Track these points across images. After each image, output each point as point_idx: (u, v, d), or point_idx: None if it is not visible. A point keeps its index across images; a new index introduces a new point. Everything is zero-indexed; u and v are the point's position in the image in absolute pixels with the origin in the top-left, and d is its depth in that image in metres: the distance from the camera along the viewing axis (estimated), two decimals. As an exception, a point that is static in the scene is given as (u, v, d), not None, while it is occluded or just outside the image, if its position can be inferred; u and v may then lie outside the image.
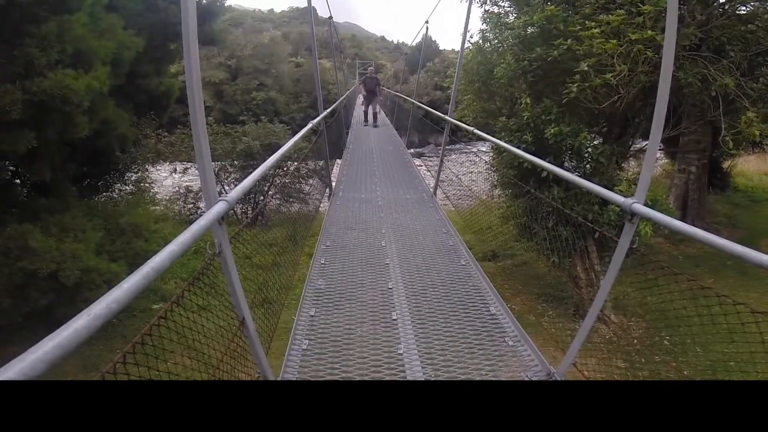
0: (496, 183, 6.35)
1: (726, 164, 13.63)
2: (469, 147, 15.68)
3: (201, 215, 1.87)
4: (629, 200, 2.00)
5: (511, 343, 2.74)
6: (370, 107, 15.18)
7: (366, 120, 14.95)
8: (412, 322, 2.90)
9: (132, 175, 9.58)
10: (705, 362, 5.05)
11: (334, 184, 6.49)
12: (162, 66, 8.92)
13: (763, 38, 5.52)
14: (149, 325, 1.53)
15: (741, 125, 5.87)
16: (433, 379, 2.40)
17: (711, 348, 5.06)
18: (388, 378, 2.42)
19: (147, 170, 10.13)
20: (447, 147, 6.46)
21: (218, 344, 2.05)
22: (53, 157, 6.25)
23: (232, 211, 9.01)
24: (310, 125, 4.56)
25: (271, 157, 2.66)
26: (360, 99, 17.92)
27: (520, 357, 2.63)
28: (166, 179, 13.51)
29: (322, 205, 6.25)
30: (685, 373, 4.86)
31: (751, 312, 1.78)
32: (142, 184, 9.62)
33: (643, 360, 5.11)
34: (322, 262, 3.78)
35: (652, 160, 2.09)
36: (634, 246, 2.21)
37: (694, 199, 10.34)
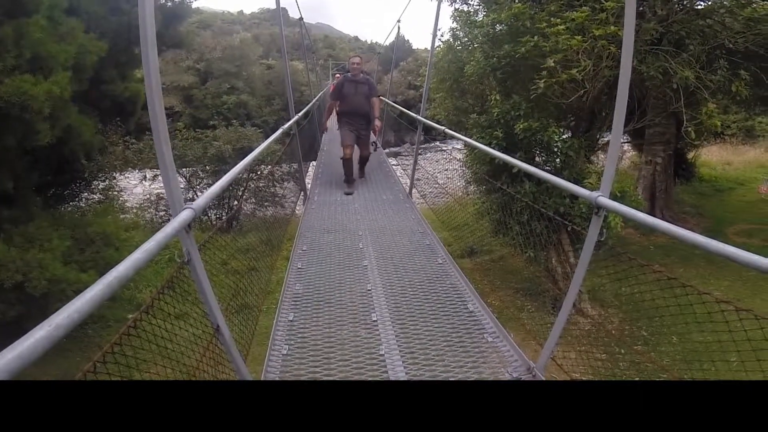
0: (469, 180, 6.41)
1: (690, 155, 14.07)
2: (444, 145, 14.85)
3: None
4: (594, 194, 2.03)
5: (490, 339, 2.75)
6: (359, 147, 6.44)
7: (349, 181, 6.24)
8: (392, 322, 2.89)
9: (99, 184, 9.31)
10: (682, 351, 5.18)
11: (309, 187, 6.43)
12: (127, 71, 8.67)
13: (719, 32, 5.71)
14: (118, 335, 1.48)
15: (702, 117, 6.07)
16: (415, 378, 2.40)
17: (686, 337, 5.19)
18: (370, 379, 2.41)
19: (115, 178, 9.86)
20: (422, 146, 6.50)
21: (194, 352, 2.00)
22: (14, 166, 6.02)
23: (206, 217, 8.87)
24: (280, 130, 4.51)
25: (239, 164, 2.62)
26: (332, 123, 7.93)
27: (499, 353, 2.65)
28: (136, 187, 13.20)
29: (297, 209, 6.19)
30: (665, 362, 4.97)
31: (715, 301, 1.82)
32: (110, 193, 9.36)
33: (622, 351, 5.22)
34: (299, 266, 3.74)
35: (615, 153, 2.12)
36: (603, 239, 2.24)
37: (661, 189, 10.62)
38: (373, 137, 6.95)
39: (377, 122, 6.21)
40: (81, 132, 7.07)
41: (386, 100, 10.20)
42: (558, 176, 5.23)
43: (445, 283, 3.43)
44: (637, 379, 4.69)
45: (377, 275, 3.53)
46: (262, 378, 2.44)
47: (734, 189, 13.93)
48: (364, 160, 6.62)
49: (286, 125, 4.88)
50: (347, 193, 5.89)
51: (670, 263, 8.03)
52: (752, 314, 1.67)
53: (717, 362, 3.24)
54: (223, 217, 9.90)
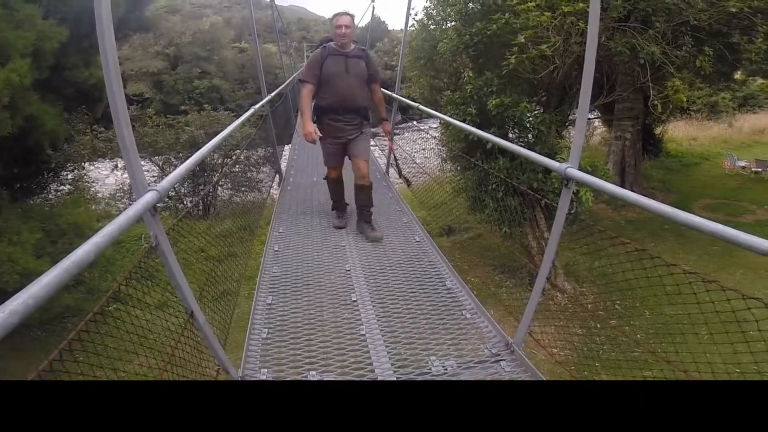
0: (445, 157, 6.39)
1: (658, 130, 14.36)
2: (421, 125, 14.52)
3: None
4: (563, 165, 2.01)
5: (468, 315, 2.75)
6: (354, 169, 3.83)
7: (339, 208, 4.17)
8: (372, 302, 2.86)
9: (68, 174, 8.99)
10: (654, 325, 5.31)
11: (284, 169, 6.31)
12: (91, 57, 8.31)
13: (684, 10, 5.78)
14: (84, 322, 1.42)
15: (668, 91, 6.18)
16: (397, 358, 2.38)
17: (658, 311, 5.33)
18: (353, 360, 2.38)
19: (84, 168, 9.54)
20: (399, 125, 6.41)
21: (169, 339, 1.94)
22: (-24, 159, 5.77)
23: (181, 205, 8.65)
24: (252, 110, 4.38)
25: (207, 144, 2.51)
26: (296, 140, 7.77)
27: (478, 329, 2.64)
28: (108, 177, 12.80)
29: (273, 191, 6.06)
30: (638, 336, 5.09)
31: (683, 273, 1.82)
32: (80, 183, 9.06)
33: (598, 326, 5.33)
34: (276, 249, 3.67)
35: (582, 124, 2.10)
36: (573, 211, 2.24)
37: (630, 164, 10.83)
38: (369, 156, 4.07)
39: (387, 125, 4.21)
40: (44, 121, 6.79)
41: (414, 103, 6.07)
42: (530, 151, 5.31)
43: (423, 261, 3.41)
44: (613, 354, 4.81)
45: (356, 255, 3.49)
46: (242, 363, 2.39)
47: (699, 164, 14.29)
48: (364, 196, 3.80)
49: (258, 105, 4.75)
50: (337, 227, 3.96)
51: (641, 238, 8.21)
52: (719, 285, 1.69)
53: (687, 335, 3.32)
54: (197, 202, 9.70)
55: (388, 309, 2.80)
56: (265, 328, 2.63)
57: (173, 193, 9.98)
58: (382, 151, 7.52)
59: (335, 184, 4.08)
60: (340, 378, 2.24)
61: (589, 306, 5.82)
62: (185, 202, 9.84)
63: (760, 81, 18.87)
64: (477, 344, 2.52)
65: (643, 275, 2.06)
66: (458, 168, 6.13)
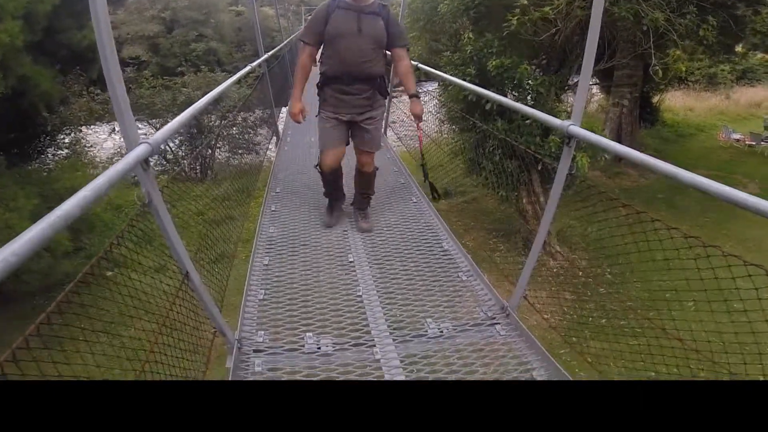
0: (444, 119, 6.25)
1: (655, 99, 14.14)
2: (419, 87, 14.18)
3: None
4: (566, 123, 1.94)
5: (464, 278, 2.70)
6: (357, 153, 3.17)
7: (334, 204, 3.39)
8: (369, 263, 2.80)
9: (65, 138, 8.81)
10: (649, 290, 5.30)
11: (281, 129, 6.16)
12: (84, 20, 8.03)
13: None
14: (73, 283, 1.36)
15: (669, 60, 6.06)
16: (393, 320, 2.35)
17: (648, 278, 5.31)
18: (349, 322, 2.34)
19: (81, 132, 9.35)
20: (397, 89, 6.22)
21: (163, 300, 1.89)
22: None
23: (180, 169, 8.51)
24: (249, 67, 4.21)
25: (201, 99, 2.40)
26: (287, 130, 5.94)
27: (473, 292, 2.60)
28: (106, 141, 12.57)
29: (270, 151, 5.93)
30: (629, 304, 5.10)
31: (684, 237, 1.74)
32: (77, 147, 8.89)
33: (589, 293, 5.34)
34: (273, 209, 3.58)
35: (585, 83, 2.01)
36: (573, 172, 2.18)
37: (627, 131, 10.70)
38: (378, 146, 3.20)
39: (418, 105, 3.07)
40: (38, 82, 6.61)
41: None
42: (529, 108, 5.19)
43: (419, 222, 3.35)
44: (604, 321, 4.83)
45: (353, 215, 3.42)
46: (239, 325, 2.34)
47: (695, 135, 14.16)
48: (365, 181, 3.24)
49: (255, 63, 4.57)
50: (328, 225, 3.23)
51: (634, 206, 8.15)
52: (720, 251, 1.63)
53: (685, 302, 3.28)
54: (194, 165, 9.55)
55: (385, 270, 2.75)
56: (261, 289, 2.59)
57: (171, 156, 9.85)
58: (398, 136, 5.90)
59: (331, 177, 3.12)
60: (337, 345, 2.20)
61: (580, 273, 5.82)
62: (184, 166, 9.71)
63: (760, 55, 18.57)
64: (472, 307, 2.49)
65: (642, 239, 2.01)
66: (456, 130, 5.99)
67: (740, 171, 10.66)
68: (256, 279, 2.69)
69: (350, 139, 3.11)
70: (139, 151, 1.49)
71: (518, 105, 2.51)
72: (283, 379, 1.64)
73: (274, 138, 5.87)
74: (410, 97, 3.07)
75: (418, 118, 3.17)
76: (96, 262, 1.44)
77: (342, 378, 2.01)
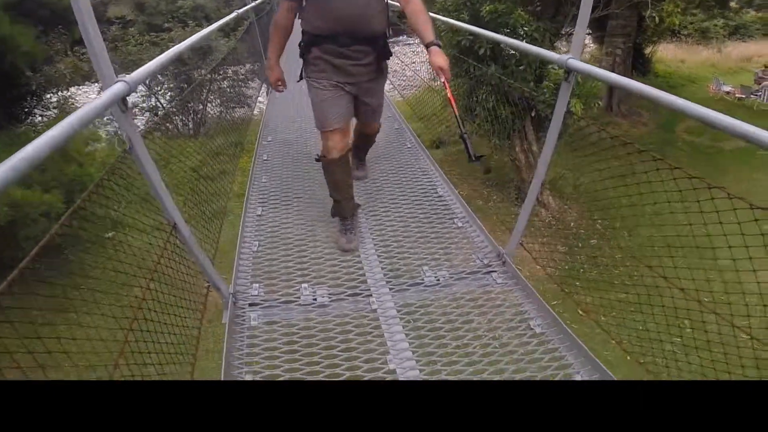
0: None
1: (647, 50, 13.78)
2: (412, 39, 13.59)
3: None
4: (565, 56, 1.80)
5: (460, 224, 2.61)
6: (360, 124, 2.69)
7: (346, 216, 2.47)
8: (364, 211, 2.70)
9: (52, 97, 8.47)
10: (632, 245, 5.26)
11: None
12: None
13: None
14: (53, 232, 1.26)
15: (663, 13, 5.86)
16: (390, 269, 2.27)
17: (636, 232, 5.27)
18: (345, 272, 2.26)
19: (69, 91, 8.99)
20: (391, 39, 5.89)
21: (150, 254, 1.79)
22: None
23: (173, 126, 8.23)
24: (235, 13, 3.94)
25: (185, 41, 2.21)
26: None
27: (469, 238, 2.53)
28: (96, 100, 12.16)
29: (260, 103, 5.72)
30: (618, 257, 5.06)
31: (688, 177, 1.64)
32: (65, 106, 8.55)
33: (579, 244, 5.30)
34: (265, 158, 3.43)
35: (587, 12, 1.84)
36: (571, 109, 2.05)
37: (619, 82, 10.47)
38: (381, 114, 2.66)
39: (439, 57, 2.15)
40: (19, 42, 6.30)
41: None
42: (523, 60, 4.99)
43: (414, 168, 3.22)
44: (594, 272, 4.81)
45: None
46: (233, 278, 2.26)
47: (686, 86, 13.93)
48: (368, 138, 2.88)
49: (241, 9, 4.28)
50: (345, 250, 2.42)
51: (624, 154, 8.05)
52: (725, 192, 1.54)
53: (688, 248, 3.20)
54: (191, 126, 9.26)
55: (380, 218, 2.65)
56: (255, 240, 2.49)
57: (162, 111, 9.54)
58: (391, 84, 5.36)
59: (339, 169, 2.35)
60: (333, 296, 2.13)
61: (572, 224, 5.77)
62: (176, 123, 9.43)
63: (753, 13, 18.12)
64: (469, 254, 2.41)
65: (644, 179, 1.91)
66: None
67: (730, 124, 10.49)
68: (249, 230, 2.58)
69: (357, 115, 2.55)
70: (116, 89, 1.34)
71: (515, 41, 2.33)
72: (284, 378, 1.59)
73: (264, 86, 5.62)
74: (428, 46, 2.18)
75: (444, 72, 2.15)
76: (68, 218, 1.33)
77: (339, 329, 1.95)
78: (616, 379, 1.69)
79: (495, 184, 6.19)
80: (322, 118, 2.28)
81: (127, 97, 1.44)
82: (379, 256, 2.34)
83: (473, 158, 2.11)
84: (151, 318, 1.60)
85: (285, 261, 2.33)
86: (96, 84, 10.37)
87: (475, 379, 1.71)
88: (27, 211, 5.22)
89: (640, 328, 2.14)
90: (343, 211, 2.46)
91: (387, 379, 1.79)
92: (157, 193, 1.72)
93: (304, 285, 2.16)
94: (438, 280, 2.20)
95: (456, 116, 2.25)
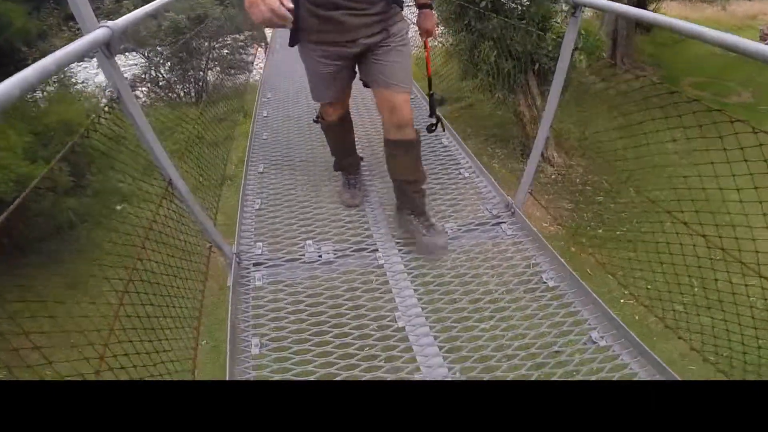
0: (438, 20, 5.71)
1: (651, 7, 13.23)
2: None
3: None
4: None
5: (466, 174, 2.49)
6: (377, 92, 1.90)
7: (351, 172, 2.37)
8: (369, 164, 2.58)
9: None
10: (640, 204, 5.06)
11: (269, 36, 5.70)
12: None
13: None
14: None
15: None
16: (397, 223, 2.16)
17: (643, 189, 5.07)
18: (350, 227, 2.16)
19: (68, 66, 8.75)
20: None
21: (144, 211, 1.68)
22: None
23: (174, 94, 7.99)
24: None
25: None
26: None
27: (477, 189, 2.40)
28: (97, 75, 11.87)
29: (258, 60, 5.54)
30: (623, 215, 4.90)
31: (686, 100, 1.53)
32: (64, 79, 8.33)
33: (585, 201, 5.16)
34: (265, 114, 3.29)
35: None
36: (579, 46, 1.90)
37: (623, 36, 10.10)
38: (410, 84, 2.04)
39: (429, 19, 2.06)
40: (11, 18, 6.11)
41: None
42: (526, 13, 4.70)
43: (416, 117, 3.07)
44: (600, 230, 4.68)
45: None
46: (237, 236, 2.16)
47: (690, 41, 13.38)
48: (404, 159, 2.02)
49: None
50: (349, 205, 2.29)
51: (625, 103, 7.81)
52: (726, 116, 1.42)
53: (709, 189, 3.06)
54: (193, 94, 9.04)
55: (384, 172, 2.50)
56: (257, 198, 2.38)
57: (163, 82, 9.30)
58: None
59: (339, 130, 2.21)
60: (338, 252, 2.03)
61: (577, 180, 5.60)
62: (178, 91, 9.22)
63: None
64: (476, 205, 2.30)
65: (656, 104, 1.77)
66: (450, 32, 5.47)
67: (733, 78, 10.13)
68: (251, 188, 2.48)
69: (364, 79, 1.95)
70: (98, 33, 1.20)
71: None
72: (290, 379, 1.51)
73: (263, 44, 5.41)
74: (420, 6, 2.01)
75: (428, 34, 2.11)
76: (57, 166, 1.21)
77: (345, 287, 1.87)
78: (632, 333, 1.59)
79: (499, 140, 6.00)
80: (316, 93, 2.05)
81: (115, 47, 1.30)
82: (384, 209, 2.23)
83: (432, 115, 2.31)
84: (148, 279, 1.51)
85: (288, 218, 2.23)
86: (95, 59, 10.09)
87: (487, 378, 1.57)
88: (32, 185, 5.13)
89: (661, 280, 2.02)
90: (347, 166, 2.37)
91: (398, 340, 1.70)
92: (150, 148, 1.60)
93: (308, 242, 2.07)
94: (446, 232, 2.09)
95: (428, 77, 2.37)
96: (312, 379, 1.53)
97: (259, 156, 2.77)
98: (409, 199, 2.03)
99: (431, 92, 2.31)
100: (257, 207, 2.31)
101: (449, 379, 1.50)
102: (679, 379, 1.47)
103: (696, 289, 1.80)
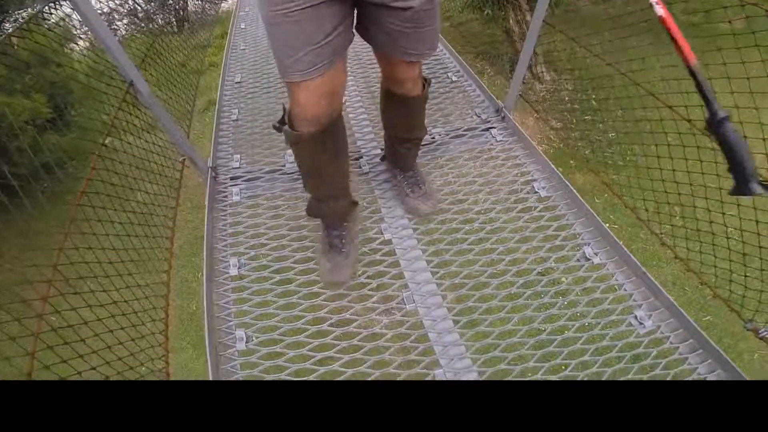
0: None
1: None
2: None
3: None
4: None
5: (454, 78, 2.25)
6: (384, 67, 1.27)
7: (336, 243, 1.40)
8: (353, 73, 2.33)
9: (23, 13, 7.52)
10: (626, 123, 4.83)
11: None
12: None
13: None
14: None
15: None
16: (382, 133, 1.94)
17: (630, 106, 4.78)
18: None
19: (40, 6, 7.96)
20: None
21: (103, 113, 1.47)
22: None
23: (155, 26, 7.31)
24: None
25: None
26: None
27: (465, 93, 2.18)
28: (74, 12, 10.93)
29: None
30: (611, 135, 4.65)
31: None
32: (38, 15, 7.62)
33: (574, 120, 4.89)
34: (243, 26, 2.99)
35: None
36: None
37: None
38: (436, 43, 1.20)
39: None
40: None
41: None
42: None
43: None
44: (589, 151, 4.47)
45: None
46: (212, 152, 1.95)
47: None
48: (409, 114, 1.37)
49: None
50: (332, 282, 1.40)
51: (617, 28, 7.34)
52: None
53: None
54: (174, 22, 8.35)
55: (368, 73, 2.29)
56: (234, 108, 2.16)
57: (142, 14, 8.59)
58: None
59: (318, 150, 1.17)
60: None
61: (566, 98, 5.30)
62: (158, 20, 8.52)
63: None
64: (465, 110, 2.08)
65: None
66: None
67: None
68: (228, 97, 2.24)
69: (370, 40, 1.19)
70: None
71: None
72: (283, 379, 1.34)
73: None
74: None
75: None
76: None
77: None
78: (627, 251, 1.45)
79: (488, 57, 5.60)
80: (283, 61, 1.02)
81: None
82: (368, 114, 2.02)
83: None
84: (107, 192, 1.33)
85: (267, 128, 2.02)
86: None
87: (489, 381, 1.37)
88: (10, 120, 4.77)
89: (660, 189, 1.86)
90: (329, 214, 1.40)
91: (384, 254, 1.55)
92: (105, 45, 1.35)
93: (288, 152, 1.86)
94: (433, 138, 1.90)
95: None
96: (305, 363, 1.38)
97: (236, 66, 2.51)
98: (400, 156, 1.56)
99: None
100: (234, 118, 2.09)
101: (448, 373, 1.25)
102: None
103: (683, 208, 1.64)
